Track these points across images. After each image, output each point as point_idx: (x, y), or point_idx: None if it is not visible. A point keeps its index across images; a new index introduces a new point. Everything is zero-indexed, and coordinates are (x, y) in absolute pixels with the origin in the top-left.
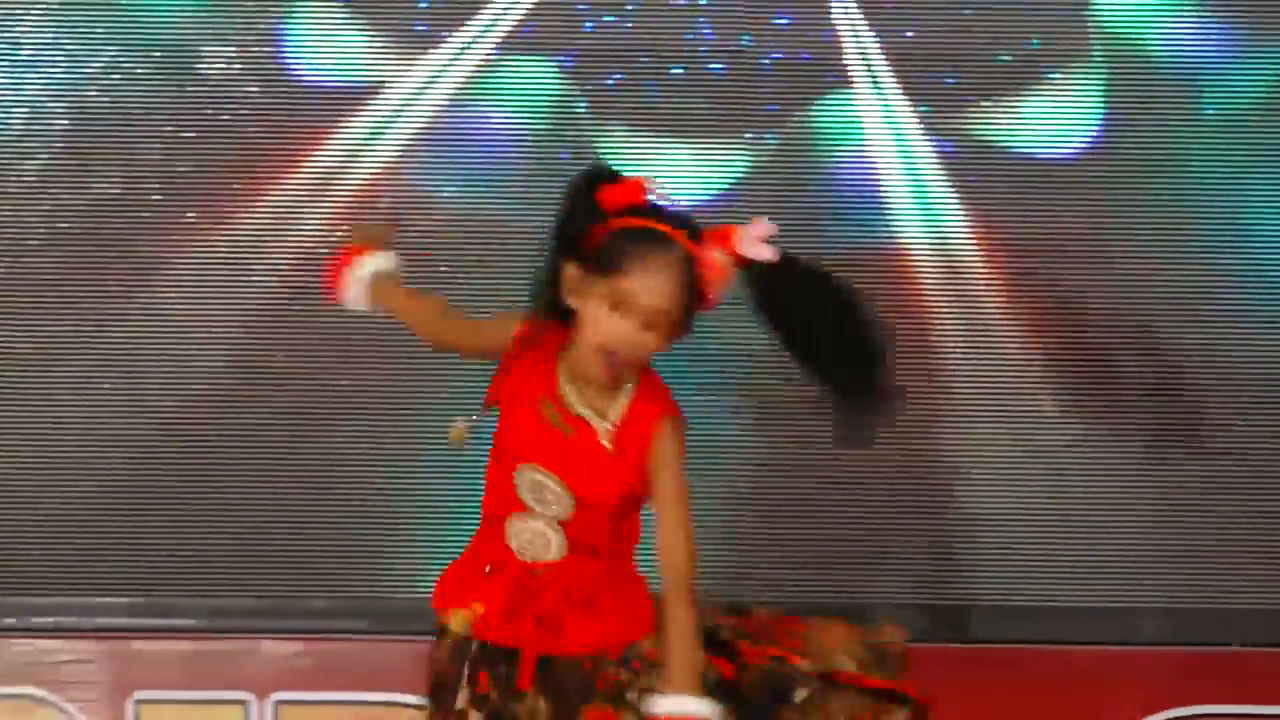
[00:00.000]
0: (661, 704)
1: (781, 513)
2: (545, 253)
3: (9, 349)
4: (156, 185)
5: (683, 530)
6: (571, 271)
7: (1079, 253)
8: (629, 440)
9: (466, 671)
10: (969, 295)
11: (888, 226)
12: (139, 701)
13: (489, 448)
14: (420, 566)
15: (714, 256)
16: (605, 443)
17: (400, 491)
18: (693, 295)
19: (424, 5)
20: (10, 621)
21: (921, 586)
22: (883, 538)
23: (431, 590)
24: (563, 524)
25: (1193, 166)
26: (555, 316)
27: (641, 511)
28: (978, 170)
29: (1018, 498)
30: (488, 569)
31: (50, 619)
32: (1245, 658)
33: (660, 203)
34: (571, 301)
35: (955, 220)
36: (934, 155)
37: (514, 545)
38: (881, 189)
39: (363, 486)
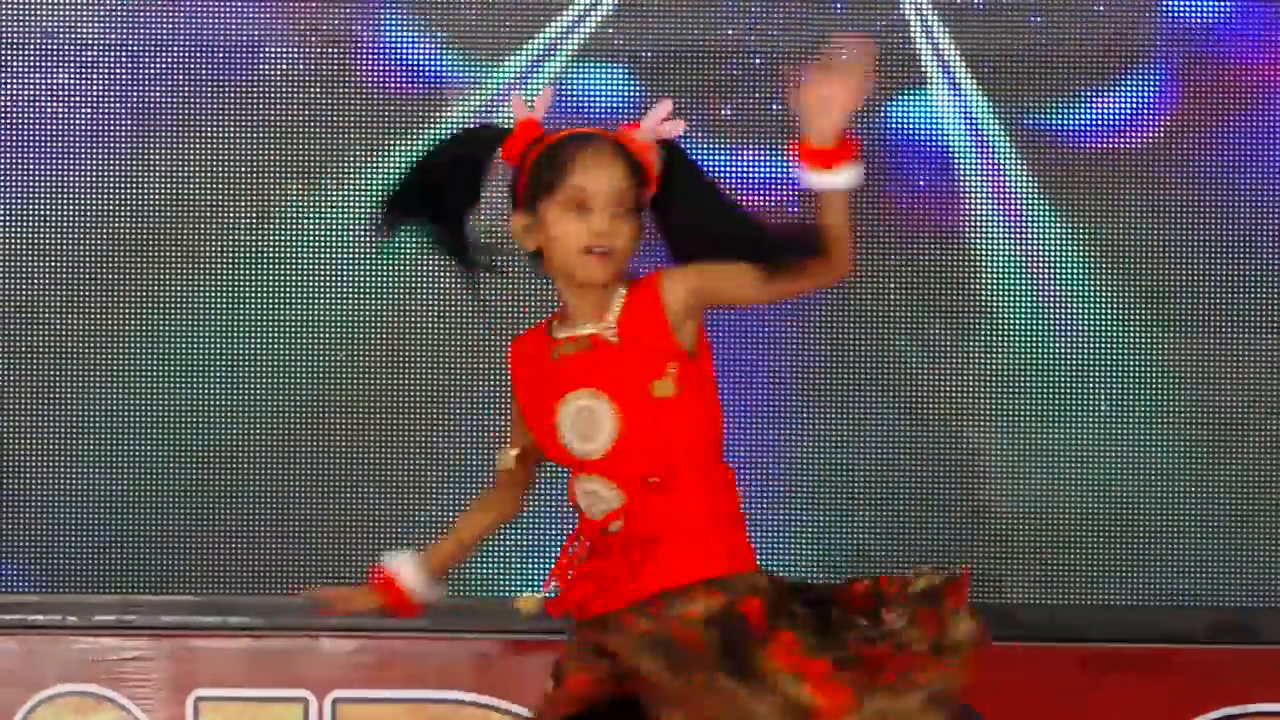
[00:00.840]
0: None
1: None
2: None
3: (60, 347)
4: (209, 184)
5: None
6: (518, 221)
7: (1152, 244)
8: (636, 319)
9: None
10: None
11: (963, 223)
12: (199, 699)
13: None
14: (480, 563)
15: (634, 135)
16: (611, 338)
17: (461, 487)
18: (638, 174)
19: (495, 9)
20: (72, 619)
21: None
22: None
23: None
24: (610, 461)
25: (1261, 159)
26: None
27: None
28: (1052, 165)
29: (1062, 493)
30: (579, 550)
31: (111, 616)
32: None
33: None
34: (534, 242)
35: (1032, 216)
36: (1009, 151)
37: (583, 505)
38: (958, 185)
39: (421, 482)
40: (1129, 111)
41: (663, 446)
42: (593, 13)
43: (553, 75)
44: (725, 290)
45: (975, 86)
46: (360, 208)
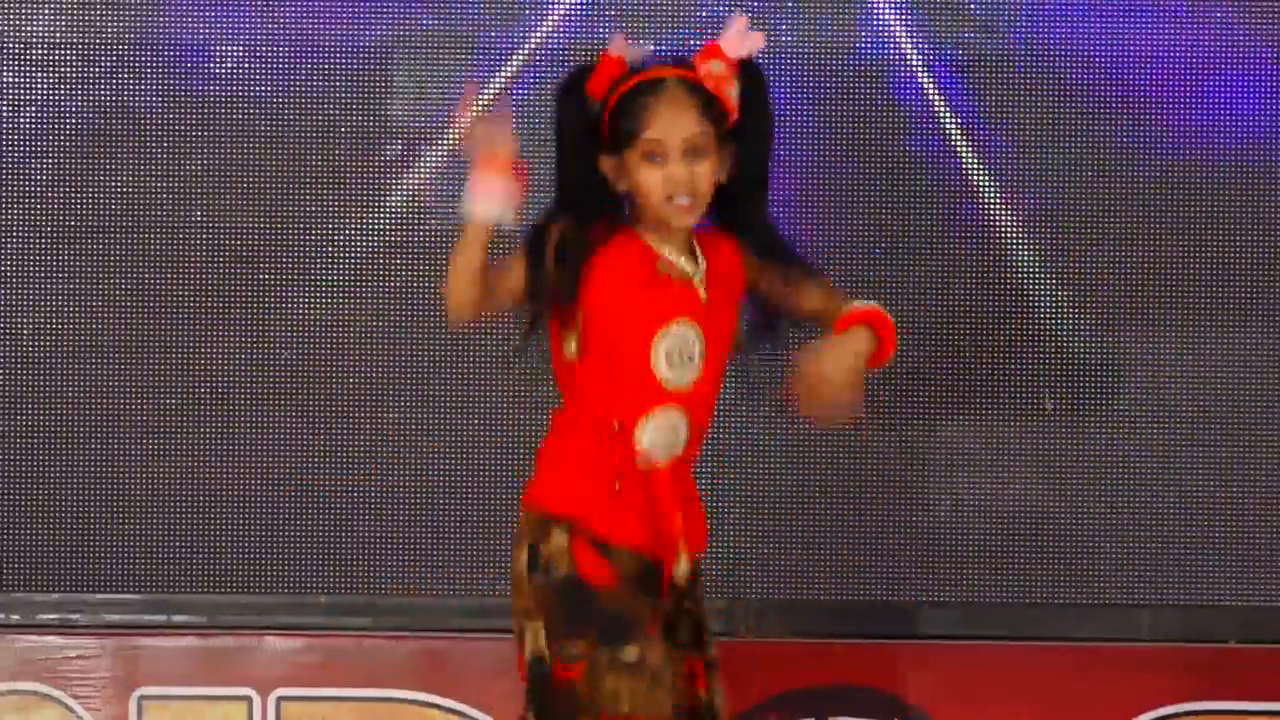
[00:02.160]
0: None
1: (795, 509)
2: (568, 166)
3: (15, 345)
4: (167, 185)
5: None
6: (608, 162)
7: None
8: (721, 275)
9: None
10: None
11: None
12: (143, 698)
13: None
14: (423, 563)
15: (708, 69)
16: (701, 284)
17: (403, 488)
18: (713, 111)
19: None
20: (15, 618)
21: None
22: (890, 533)
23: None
24: (690, 398)
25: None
26: (602, 216)
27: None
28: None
29: (1031, 493)
30: (617, 486)
31: (54, 615)
32: (1242, 654)
33: (638, 59)
34: (623, 186)
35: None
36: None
37: (643, 447)
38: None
39: (364, 482)
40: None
41: (715, 401)
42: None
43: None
44: (790, 301)
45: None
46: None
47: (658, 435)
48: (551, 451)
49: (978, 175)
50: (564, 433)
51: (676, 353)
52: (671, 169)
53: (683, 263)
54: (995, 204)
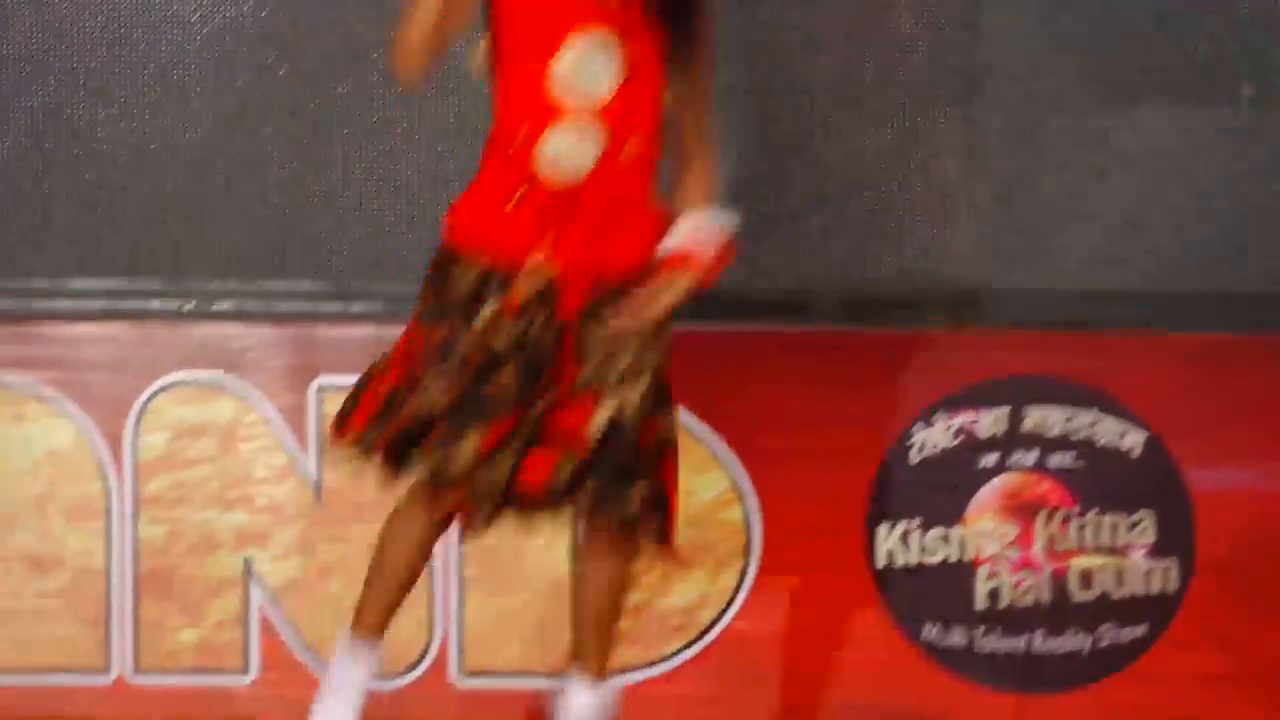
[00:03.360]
0: (685, 223)
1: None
2: None
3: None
4: None
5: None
6: None
7: None
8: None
9: (495, 296)
10: None
11: None
12: (321, 387)
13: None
14: None
15: None
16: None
17: None
18: None
19: None
20: (193, 305)
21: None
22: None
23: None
24: (604, 113)
25: None
26: None
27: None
28: None
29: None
30: (514, 200)
31: (232, 304)
32: None
33: None
34: None
35: None
36: None
37: (545, 162)
38: None
39: None
40: None
41: (652, 112)
42: None
43: None
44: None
45: None
46: None
47: (561, 150)
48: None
49: None
50: (485, 149)
51: (591, 64)
52: None
53: None
54: None
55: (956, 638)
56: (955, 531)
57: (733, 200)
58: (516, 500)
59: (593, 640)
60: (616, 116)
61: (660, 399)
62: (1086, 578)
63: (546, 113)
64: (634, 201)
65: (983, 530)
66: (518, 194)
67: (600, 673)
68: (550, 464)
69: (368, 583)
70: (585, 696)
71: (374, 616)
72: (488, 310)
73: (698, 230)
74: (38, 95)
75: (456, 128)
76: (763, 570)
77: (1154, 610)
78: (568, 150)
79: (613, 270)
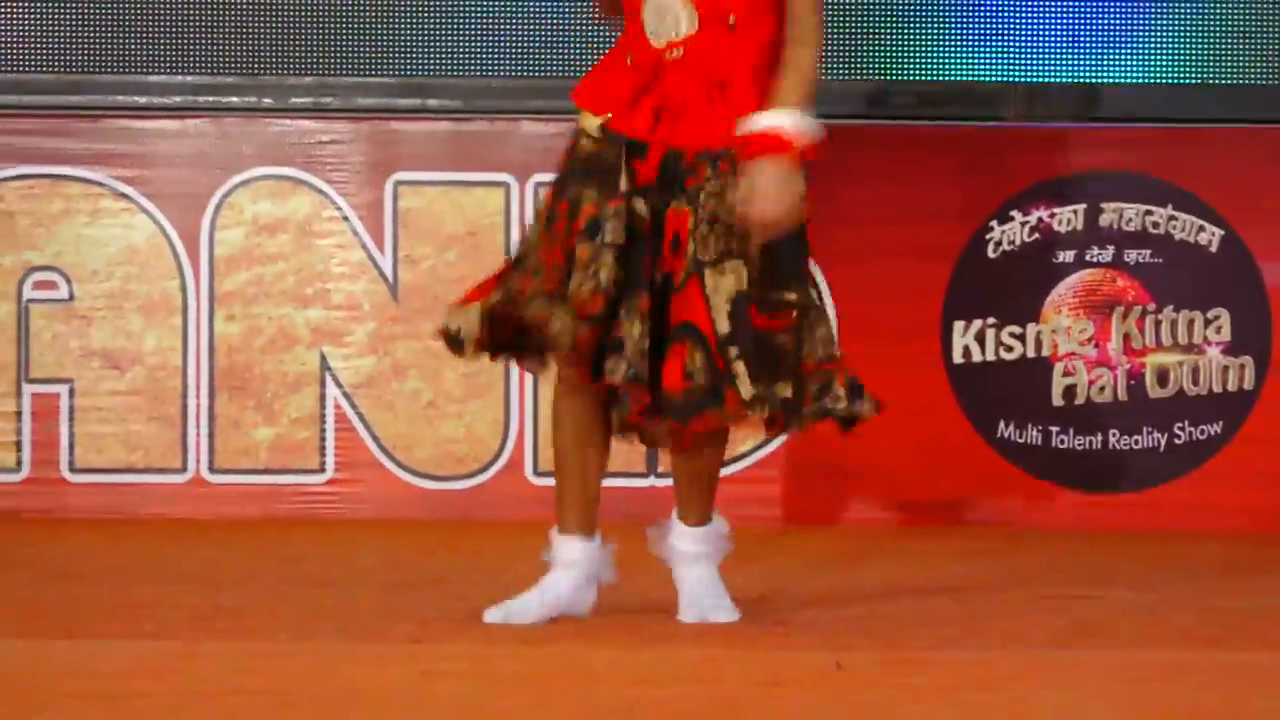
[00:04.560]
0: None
1: None
2: None
3: None
4: None
5: None
6: None
7: None
8: None
9: (624, 158)
10: None
11: None
12: (398, 183)
13: None
14: None
15: None
16: None
17: None
18: None
19: None
20: (268, 101)
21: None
22: None
23: None
24: None
25: None
26: None
27: None
28: None
29: None
30: (629, 59)
31: (308, 99)
32: None
33: None
34: None
35: None
36: None
37: (648, 28)
38: None
39: None
40: None
41: None
42: None
43: None
44: None
45: None
46: None
47: (650, 18)
48: None
49: None
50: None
51: None
52: None
53: None
54: None
55: (1032, 435)
56: (1031, 328)
57: None
58: (665, 404)
59: (693, 497)
60: None
61: (772, 278)
62: (1163, 375)
63: None
64: (736, 75)
65: (1059, 327)
66: (628, 58)
67: (702, 520)
68: (680, 363)
69: (556, 483)
70: (694, 536)
71: (573, 513)
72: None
73: (775, 122)
74: None
75: None
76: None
77: (1230, 408)
78: (654, 20)
79: (694, 140)
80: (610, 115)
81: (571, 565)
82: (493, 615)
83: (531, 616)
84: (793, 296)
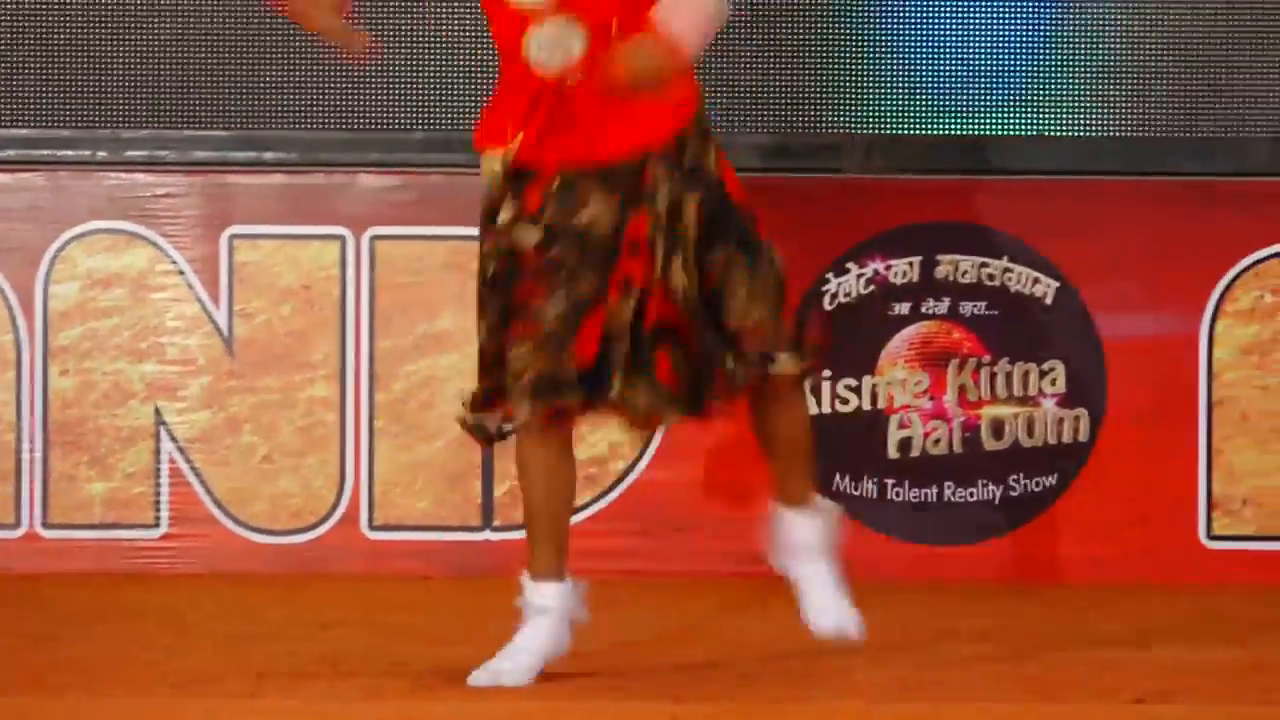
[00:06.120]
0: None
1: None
2: None
3: None
4: None
5: None
6: None
7: None
8: None
9: (511, 194)
10: None
11: None
12: (233, 236)
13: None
14: None
15: None
16: None
17: None
18: None
19: None
20: (103, 155)
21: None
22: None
23: None
24: (570, 3)
25: None
26: None
27: None
28: None
29: None
30: (510, 93)
31: (143, 152)
32: None
33: None
34: None
35: None
36: None
37: (535, 59)
38: None
39: (467, 13)
40: None
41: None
42: None
43: None
44: None
45: None
46: None
47: (543, 45)
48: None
49: None
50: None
51: None
52: None
53: None
54: None
55: (868, 487)
56: (867, 381)
57: None
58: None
59: (787, 473)
60: (587, 3)
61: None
62: (998, 427)
63: (519, 21)
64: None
65: (894, 379)
66: (514, 90)
67: (805, 500)
68: (668, 360)
69: (525, 527)
70: (802, 522)
71: (546, 557)
72: (505, 214)
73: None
74: None
75: None
76: None
77: (1065, 460)
78: (549, 48)
79: (613, 155)
80: (512, 148)
81: (548, 611)
82: (479, 679)
83: (522, 677)
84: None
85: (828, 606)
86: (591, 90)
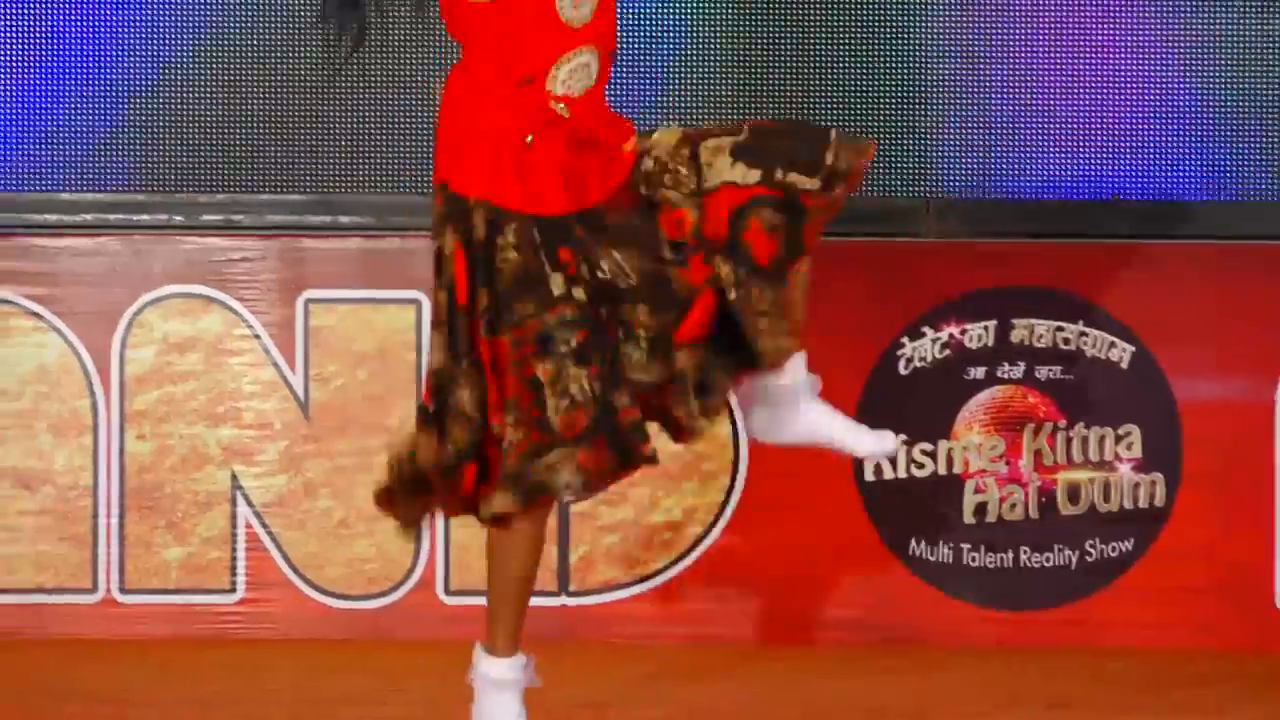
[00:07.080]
0: None
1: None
2: None
3: None
4: None
5: None
6: None
7: None
8: None
9: (545, 256)
10: None
11: None
12: (309, 300)
13: None
14: None
15: None
16: None
17: None
18: None
19: None
20: (180, 219)
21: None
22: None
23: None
24: (593, 31)
25: None
26: None
27: None
28: None
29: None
30: (529, 139)
31: (219, 216)
32: None
33: None
34: None
35: None
36: None
37: (558, 94)
38: None
39: None
40: None
41: (615, 15)
42: None
43: None
44: None
45: None
46: None
47: (573, 80)
48: (454, 118)
49: None
50: (465, 91)
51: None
52: None
53: None
54: None
55: (943, 553)
56: (942, 445)
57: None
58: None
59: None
60: (605, 29)
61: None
62: (1074, 492)
63: (552, 47)
64: (608, 117)
65: (970, 444)
66: (527, 138)
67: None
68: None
69: (490, 604)
70: (781, 382)
71: (510, 636)
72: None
73: None
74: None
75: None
76: (749, 484)
77: (1141, 524)
78: (578, 80)
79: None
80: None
81: (506, 685)
82: None
83: None
84: None
85: (851, 427)
86: (596, 109)
